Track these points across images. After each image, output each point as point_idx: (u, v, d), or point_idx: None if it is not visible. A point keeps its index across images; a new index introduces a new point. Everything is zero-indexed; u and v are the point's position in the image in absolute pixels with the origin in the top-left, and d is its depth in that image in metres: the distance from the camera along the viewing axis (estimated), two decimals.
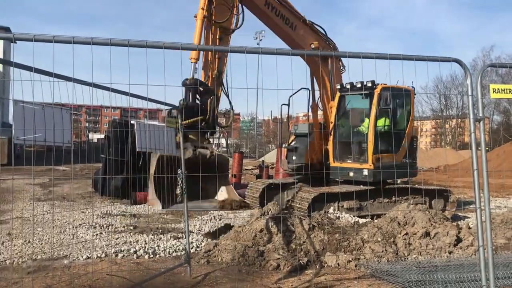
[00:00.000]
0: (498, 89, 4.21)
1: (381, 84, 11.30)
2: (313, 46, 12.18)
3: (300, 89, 12.63)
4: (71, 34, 3.89)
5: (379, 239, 7.45)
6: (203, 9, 9.93)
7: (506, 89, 4.21)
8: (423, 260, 6.95)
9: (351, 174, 11.50)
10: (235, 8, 10.78)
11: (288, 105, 12.84)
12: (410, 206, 8.61)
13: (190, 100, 8.28)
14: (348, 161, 11.86)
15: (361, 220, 9.81)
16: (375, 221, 8.54)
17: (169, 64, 4.14)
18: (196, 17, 10.18)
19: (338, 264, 6.83)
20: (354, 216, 10.21)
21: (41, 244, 8.06)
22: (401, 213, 8.06)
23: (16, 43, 3.83)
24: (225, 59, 10.58)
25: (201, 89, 8.59)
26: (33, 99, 3.81)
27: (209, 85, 9.62)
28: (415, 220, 7.82)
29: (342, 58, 12.99)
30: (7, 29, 44.68)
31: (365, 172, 11.22)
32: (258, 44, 42.72)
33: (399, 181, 12.36)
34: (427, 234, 7.53)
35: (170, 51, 4.01)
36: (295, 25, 12.12)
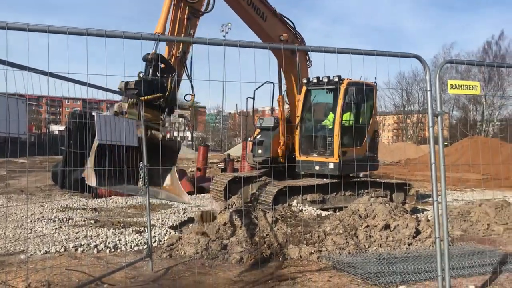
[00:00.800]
0: (456, 85, 4.33)
1: (347, 79, 11.45)
2: (282, 38, 12.21)
3: (265, 82, 12.63)
4: (26, 22, 3.74)
5: (341, 232, 7.56)
6: None
7: (463, 85, 4.33)
8: (383, 252, 7.11)
9: (317, 167, 11.63)
10: None
11: (253, 98, 12.84)
12: (371, 199, 8.78)
13: (150, 75, 8.01)
14: (314, 155, 11.99)
15: (324, 213, 9.94)
16: (337, 213, 8.67)
17: (129, 54, 4.06)
18: None
19: (300, 256, 6.90)
20: (316, 209, 10.33)
21: None
22: (363, 206, 8.21)
23: None
24: (189, 46, 10.40)
25: (162, 65, 8.33)
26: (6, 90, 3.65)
27: (172, 63, 9.39)
28: (376, 213, 7.98)
29: (309, 53, 13.09)
30: None
31: (331, 166, 11.38)
32: (224, 36, 42.45)
33: (361, 174, 12.58)
34: (387, 226, 7.70)
35: (130, 41, 3.93)
36: (266, 16, 12.11)
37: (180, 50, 9.47)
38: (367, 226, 7.73)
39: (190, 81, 9.57)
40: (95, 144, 5.62)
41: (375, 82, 12.41)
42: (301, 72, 12.71)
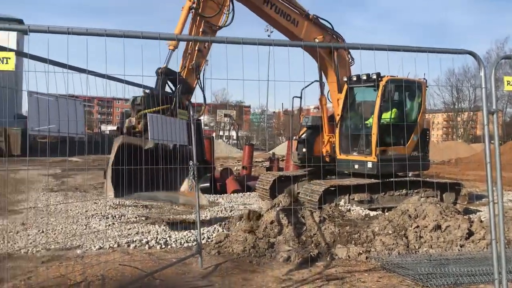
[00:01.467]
0: None
1: (387, 76, 11.20)
2: (317, 40, 12.11)
3: (313, 81, 12.64)
4: (84, 26, 3.93)
5: (390, 232, 7.44)
6: (190, 0, 9.87)
7: None
8: (434, 253, 6.94)
9: (356, 166, 11.48)
10: (225, 7, 10.59)
11: (300, 97, 12.82)
12: (421, 199, 8.58)
13: (160, 89, 8.30)
14: (354, 153, 11.86)
15: (372, 213, 9.80)
16: (386, 214, 8.52)
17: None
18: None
19: (348, 256, 6.85)
20: (364, 209, 10.20)
21: (55, 234, 8.17)
22: (412, 206, 8.04)
23: (29, 34, 3.88)
24: (205, 51, 10.46)
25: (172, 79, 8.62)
26: (48, 90, 3.87)
27: (185, 75, 9.55)
28: (426, 213, 7.79)
29: (351, 51, 12.88)
30: (20, 21, 44.97)
31: (369, 165, 11.19)
32: (269, 36, 42.50)
33: (410, 174, 12.29)
34: (438, 227, 7.50)
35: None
36: (297, 21, 12.03)
37: (193, 62, 9.64)
38: (417, 226, 7.56)
39: (203, 92, 9.78)
40: (112, 157, 5.93)
41: (424, 79, 12.09)
42: (341, 71, 12.56)
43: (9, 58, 2.94)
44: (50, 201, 11.86)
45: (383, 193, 11.07)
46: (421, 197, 9.20)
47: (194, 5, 9.83)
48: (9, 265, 6.16)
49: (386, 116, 11.39)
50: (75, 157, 24.80)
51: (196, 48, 9.90)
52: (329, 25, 12.75)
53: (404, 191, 11.26)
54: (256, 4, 11.28)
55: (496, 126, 4.26)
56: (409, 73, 11.15)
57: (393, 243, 7.14)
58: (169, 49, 9.24)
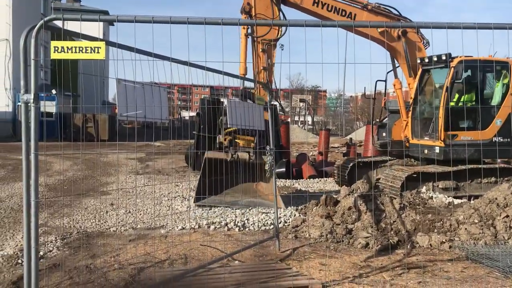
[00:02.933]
0: None
1: (460, 57, 10.46)
2: (379, 30, 11.62)
3: (398, 66, 12.24)
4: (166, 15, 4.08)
5: (476, 221, 7.05)
6: (244, 28, 10.24)
7: None
8: None
9: (426, 151, 11.03)
10: (276, 17, 10.81)
11: (386, 81, 12.42)
12: (511, 188, 8.03)
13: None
14: (426, 138, 11.38)
15: (456, 201, 9.33)
16: (472, 202, 8.08)
17: None
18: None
19: (430, 245, 6.61)
20: (448, 197, 9.73)
21: (141, 214, 8.66)
22: (502, 195, 7.55)
23: (113, 25, 4.11)
24: (272, 69, 11.00)
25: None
26: (134, 77, 4.08)
27: (259, 93, 10.11)
28: None
29: (423, 33, 12.24)
30: (106, 12, 47.64)
31: (437, 150, 10.67)
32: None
33: (499, 161, 11.51)
34: None
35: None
36: (354, 14, 11.63)
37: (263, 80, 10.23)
38: (507, 216, 7.09)
39: (279, 103, 10.32)
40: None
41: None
42: (413, 56, 11.95)
43: (100, 48, 3.14)
44: (135, 183, 12.56)
45: (470, 180, 10.46)
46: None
47: (249, 31, 10.48)
48: (100, 242, 6.64)
49: (462, 98, 10.73)
50: (158, 142, 26.08)
51: (261, 69, 10.60)
52: (395, 12, 12.16)
53: (493, 179, 10.57)
54: (306, 7, 11.24)
55: None
56: (496, 52, 10.37)
57: (479, 233, 6.77)
58: (241, 74, 9.91)
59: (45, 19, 3.18)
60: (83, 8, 50.96)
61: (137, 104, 3.99)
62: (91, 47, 3.15)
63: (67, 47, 3.12)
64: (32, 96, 3.06)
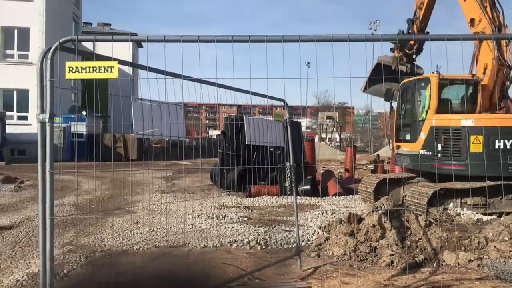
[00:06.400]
0: None
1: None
2: (474, 22, 11.71)
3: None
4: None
5: (506, 238, 6.80)
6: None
7: None
8: None
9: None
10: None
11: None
12: None
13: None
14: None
15: (485, 218, 9.03)
16: (502, 218, 7.81)
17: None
18: None
19: (457, 263, 6.40)
20: (476, 213, 9.42)
21: (164, 232, 8.71)
22: None
23: (142, 47, 4.23)
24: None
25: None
26: (166, 98, 4.16)
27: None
28: None
29: None
30: (135, 34, 48.84)
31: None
32: (372, 34, 41.28)
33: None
34: None
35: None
36: None
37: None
38: None
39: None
40: None
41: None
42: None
43: (113, 67, 3.22)
44: (161, 201, 12.67)
45: (500, 196, 10.13)
46: None
47: None
48: (123, 261, 6.69)
49: (404, 114, 12.55)
50: (185, 161, 26.30)
51: None
52: (499, 11, 11.93)
53: None
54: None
55: None
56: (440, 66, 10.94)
57: (510, 251, 6.52)
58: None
59: (60, 40, 3.29)
60: (113, 31, 52.53)
61: (153, 122, 4.05)
62: (104, 67, 3.23)
63: (81, 67, 3.21)
64: (47, 115, 3.15)
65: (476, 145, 10.34)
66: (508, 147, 10.29)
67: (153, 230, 8.80)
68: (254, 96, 5.15)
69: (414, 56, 13.44)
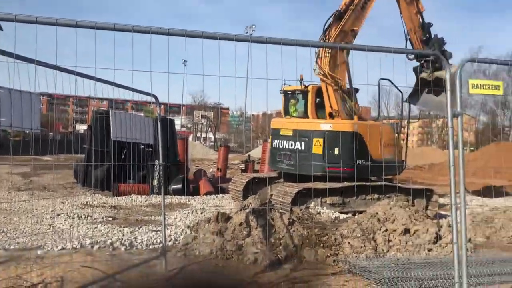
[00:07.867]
0: (477, 84, 4.14)
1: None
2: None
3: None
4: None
5: (359, 235, 7.41)
6: None
7: (485, 84, 4.15)
8: (401, 257, 6.92)
9: None
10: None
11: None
12: (391, 203, 8.58)
13: None
14: None
15: (342, 216, 9.78)
16: (355, 217, 8.51)
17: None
18: None
19: (316, 259, 6.79)
20: (335, 212, 10.17)
21: (16, 233, 7.90)
22: (382, 210, 8.03)
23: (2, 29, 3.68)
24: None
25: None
26: (14, 85, 3.68)
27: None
28: (395, 217, 7.79)
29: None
30: None
31: None
32: (250, 34, 42.34)
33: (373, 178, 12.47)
34: (406, 231, 7.50)
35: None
36: None
37: None
38: (386, 230, 7.55)
39: None
40: None
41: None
42: None
43: None
44: (15, 200, 11.50)
45: (355, 196, 11.05)
46: (391, 201, 9.19)
47: None
48: None
49: None
50: (47, 156, 24.31)
51: None
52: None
53: (376, 196, 11.26)
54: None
55: (461, 129, 4.23)
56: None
57: (361, 246, 7.11)
58: None
59: None
60: None
61: (2, 111, 3.61)
62: None
63: None
64: None
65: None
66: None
67: (3, 232, 7.93)
68: (121, 89, 4.88)
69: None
